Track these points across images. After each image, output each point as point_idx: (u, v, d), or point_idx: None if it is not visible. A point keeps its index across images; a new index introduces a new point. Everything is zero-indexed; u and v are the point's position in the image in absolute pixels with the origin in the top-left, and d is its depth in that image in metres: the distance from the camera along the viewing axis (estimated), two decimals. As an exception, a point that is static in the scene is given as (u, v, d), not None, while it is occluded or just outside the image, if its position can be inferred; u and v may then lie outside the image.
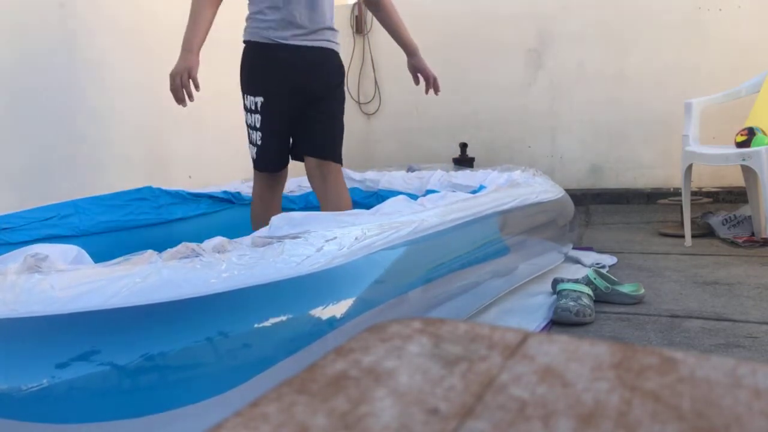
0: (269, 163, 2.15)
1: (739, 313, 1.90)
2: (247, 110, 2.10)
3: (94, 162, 2.59)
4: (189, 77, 1.91)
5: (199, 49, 1.95)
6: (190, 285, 1.08)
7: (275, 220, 1.54)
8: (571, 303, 1.90)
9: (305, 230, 1.40)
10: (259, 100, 2.06)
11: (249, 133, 2.12)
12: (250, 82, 2.09)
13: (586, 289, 1.99)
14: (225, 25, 3.52)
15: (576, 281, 2.07)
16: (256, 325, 1.11)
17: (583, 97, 4.20)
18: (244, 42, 2.09)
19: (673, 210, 3.43)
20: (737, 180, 3.42)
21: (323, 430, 0.28)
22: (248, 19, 2.08)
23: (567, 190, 2.85)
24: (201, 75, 1.95)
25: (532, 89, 4.31)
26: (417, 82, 2.34)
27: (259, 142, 2.10)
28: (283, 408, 0.30)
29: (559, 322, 1.88)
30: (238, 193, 2.86)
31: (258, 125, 2.08)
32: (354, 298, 1.27)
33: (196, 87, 1.94)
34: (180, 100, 1.93)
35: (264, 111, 2.06)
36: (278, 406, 0.30)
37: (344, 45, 4.66)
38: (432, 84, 2.31)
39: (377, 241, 1.43)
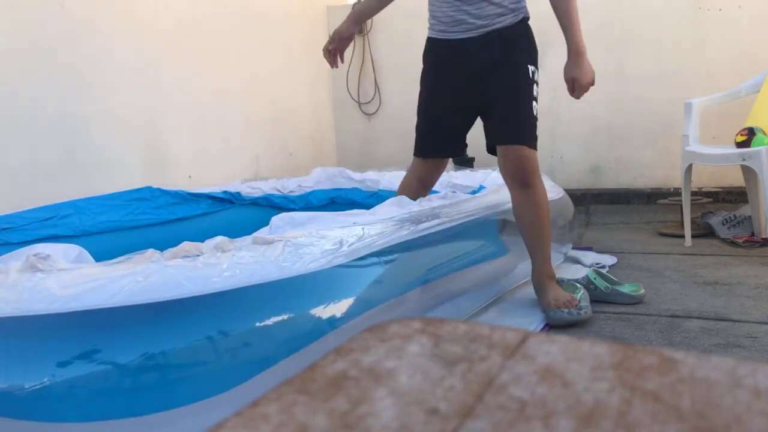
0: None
1: (739, 313, 1.90)
2: (536, 83, 2.10)
3: (94, 162, 2.59)
4: (332, 41, 2.01)
5: (357, 18, 2.04)
6: (191, 284, 1.09)
7: (275, 220, 1.54)
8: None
9: (306, 230, 1.40)
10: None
11: (534, 107, 2.09)
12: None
13: (580, 288, 1.98)
14: (227, 29, 3.52)
15: (576, 281, 2.07)
16: (256, 325, 1.11)
17: (583, 97, 4.19)
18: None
19: (673, 210, 3.43)
20: (737, 180, 3.42)
21: (323, 430, 0.28)
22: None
23: (567, 190, 2.84)
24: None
25: (532, 89, 4.30)
26: (570, 91, 2.18)
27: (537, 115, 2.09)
28: (283, 408, 0.30)
29: (555, 326, 1.87)
30: (238, 193, 2.85)
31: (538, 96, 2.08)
32: (354, 298, 1.27)
33: (333, 54, 2.01)
34: (330, 63, 2.03)
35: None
36: (278, 406, 0.30)
37: (344, 45, 4.70)
38: (575, 91, 2.17)
39: (377, 241, 1.43)
